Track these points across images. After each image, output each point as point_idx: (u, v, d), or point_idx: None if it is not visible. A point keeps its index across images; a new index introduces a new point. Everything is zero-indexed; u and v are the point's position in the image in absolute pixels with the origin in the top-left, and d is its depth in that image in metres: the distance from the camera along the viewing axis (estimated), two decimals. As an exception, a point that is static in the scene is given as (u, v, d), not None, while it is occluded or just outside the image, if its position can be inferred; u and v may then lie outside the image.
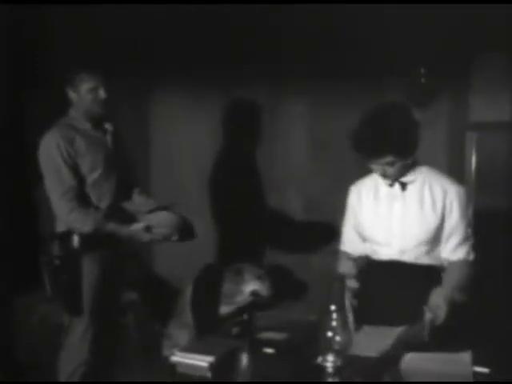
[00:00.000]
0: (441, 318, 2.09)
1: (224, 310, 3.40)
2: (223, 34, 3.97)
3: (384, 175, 2.26)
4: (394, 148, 2.16)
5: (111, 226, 2.76)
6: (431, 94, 3.87)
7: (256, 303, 3.43)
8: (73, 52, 3.75)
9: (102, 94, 2.77)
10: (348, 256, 2.43)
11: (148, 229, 2.79)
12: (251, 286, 3.45)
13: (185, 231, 2.90)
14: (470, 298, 2.34)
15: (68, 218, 2.72)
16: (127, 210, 2.91)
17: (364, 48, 3.80)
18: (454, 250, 2.26)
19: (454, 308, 2.12)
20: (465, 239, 2.27)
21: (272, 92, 4.14)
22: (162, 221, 2.85)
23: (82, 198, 2.75)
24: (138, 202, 3.00)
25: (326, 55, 3.94)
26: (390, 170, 2.23)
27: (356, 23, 3.77)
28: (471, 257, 2.29)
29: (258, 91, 4.11)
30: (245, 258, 3.64)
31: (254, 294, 3.44)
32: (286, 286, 3.90)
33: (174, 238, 2.87)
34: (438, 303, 2.12)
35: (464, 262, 2.27)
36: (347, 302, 1.75)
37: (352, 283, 2.21)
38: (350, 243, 2.44)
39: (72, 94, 2.80)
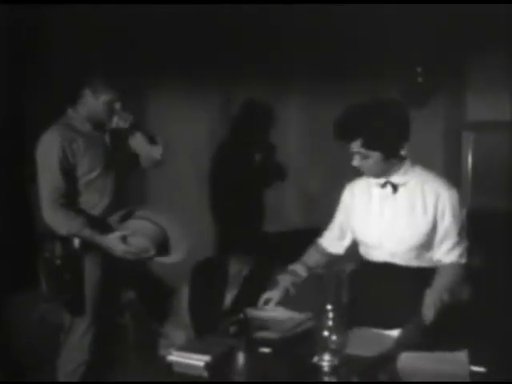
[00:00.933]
0: (429, 318, 2.09)
1: (231, 294, 3.42)
2: (223, 34, 3.97)
3: (363, 171, 2.25)
4: (360, 135, 2.15)
5: (88, 233, 2.68)
6: (429, 94, 3.86)
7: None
8: (73, 52, 3.75)
9: (117, 106, 2.77)
10: (319, 249, 2.46)
11: (124, 239, 2.68)
12: None
13: (163, 246, 2.76)
14: (470, 298, 2.33)
15: (49, 218, 2.68)
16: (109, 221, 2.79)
17: (364, 48, 3.80)
18: (447, 253, 2.24)
19: (443, 308, 2.11)
20: (458, 242, 2.24)
21: (272, 92, 4.14)
22: (139, 229, 2.72)
23: (69, 200, 2.70)
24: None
25: (325, 55, 3.94)
26: (366, 165, 2.21)
27: (356, 23, 3.77)
28: (463, 260, 2.26)
29: (258, 91, 4.10)
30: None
31: None
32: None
33: (151, 252, 2.72)
34: (427, 303, 2.12)
35: (456, 265, 2.26)
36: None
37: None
38: (330, 239, 2.46)
39: (90, 97, 2.75)
